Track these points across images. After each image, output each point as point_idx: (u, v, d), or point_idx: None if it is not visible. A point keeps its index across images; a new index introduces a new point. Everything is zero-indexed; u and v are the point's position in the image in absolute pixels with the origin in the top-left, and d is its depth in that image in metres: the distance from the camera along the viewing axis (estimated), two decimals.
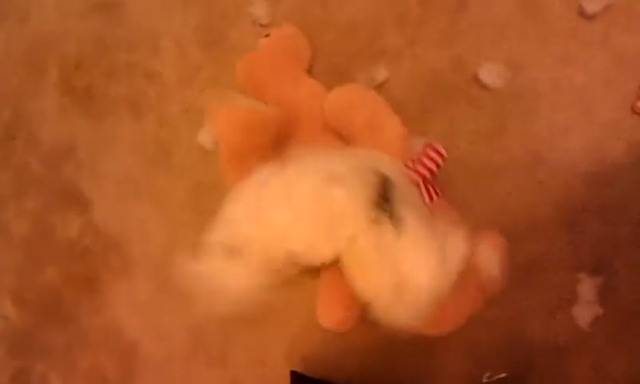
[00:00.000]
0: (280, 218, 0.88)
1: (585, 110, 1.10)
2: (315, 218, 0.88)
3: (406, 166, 0.97)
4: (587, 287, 1.08)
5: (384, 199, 0.87)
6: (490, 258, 0.95)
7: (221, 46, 1.28)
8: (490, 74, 1.13)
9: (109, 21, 1.36)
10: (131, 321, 1.28)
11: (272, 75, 1.13)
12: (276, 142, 1.03)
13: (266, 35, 1.16)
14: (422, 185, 0.97)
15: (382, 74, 1.17)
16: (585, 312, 1.08)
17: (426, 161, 0.98)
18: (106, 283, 1.29)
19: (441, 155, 0.98)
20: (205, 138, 1.25)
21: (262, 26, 1.25)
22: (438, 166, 0.98)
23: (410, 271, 0.84)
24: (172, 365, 1.25)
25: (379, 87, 1.17)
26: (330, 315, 1.01)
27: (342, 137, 1.05)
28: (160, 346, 1.26)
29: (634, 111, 1.08)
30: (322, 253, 0.90)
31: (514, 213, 1.11)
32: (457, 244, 0.89)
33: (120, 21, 1.36)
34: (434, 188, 0.99)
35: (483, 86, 1.13)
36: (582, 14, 1.10)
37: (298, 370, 1.16)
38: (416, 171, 0.97)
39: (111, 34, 1.36)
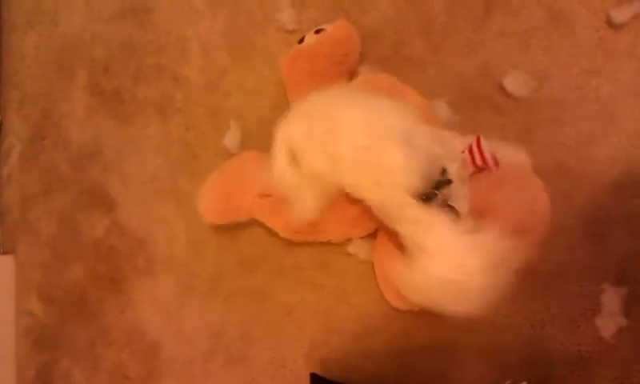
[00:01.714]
0: (339, 149, 0.94)
1: (611, 119, 1.10)
2: (368, 163, 0.93)
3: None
4: (611, 298, 1.08)
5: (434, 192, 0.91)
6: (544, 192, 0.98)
7: (247, 51, 1.31)
8: (516, 82, 1.13)
9: (137, 25, 1.40)
10: (154, 320, 1.31)
11: (311, 75, 1.16)
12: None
13: (317, 31, 1.17)
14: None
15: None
16: (608, 323, 1.08)
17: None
18: (130, 283, 1.33)
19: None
20: (230, 141, 1.28)
21: (287, 32, 1.26)
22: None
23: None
24: (193, 365, 1.27)
25: None
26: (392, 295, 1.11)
27: None
28: (181, 346, 1.28)
29: None
30: (366, 195, 0.97)
31: None
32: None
33: (148, 25, 1.39)
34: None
35: (509, 95, 1.13)
36: (610, 23, 1.11)
37: (317, 371, 1.17)
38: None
39: (140, 38, 1.40)
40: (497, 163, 0.97)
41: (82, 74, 1.42)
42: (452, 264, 0.89)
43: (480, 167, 0.98)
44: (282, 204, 1.09)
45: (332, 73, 1.15)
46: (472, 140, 0.99)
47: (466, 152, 0.98)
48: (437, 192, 0.91)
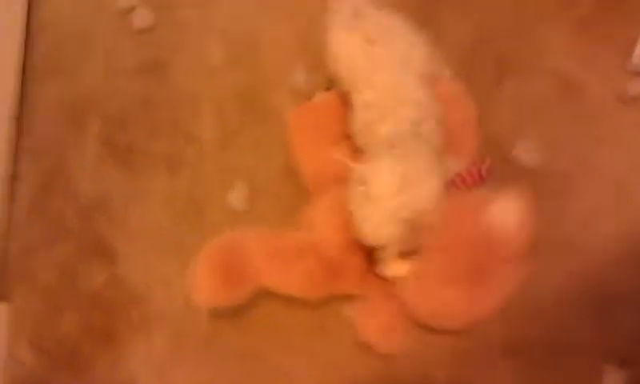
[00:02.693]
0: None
1: (619, 194, 1.10)
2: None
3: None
4: (613, 380, 1.05)
5: None
6: (507, 213, 0.98)
7: (260, 112, 1.34)
8: (525, 151, 1.14)
9: (155, 80, 1.44)
10: (145, 378, 1.27)
11: (315, 131, 1.20)
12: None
13: (327, 89, 1.23)
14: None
15: None
16: None
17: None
18: (123, 337, 1.30)
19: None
20: (236, 198, 1.28)
21: (301, 94, 1.29)
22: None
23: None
24: None
25: None
26: (369, 326, 1.11)
27: None
28: None
29: None
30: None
31: (541, 295, 1.09)
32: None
33: (164, 80, 1.43)
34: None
35: (517, 164, 1.13)
36: (622, 96, 1.11)
37: None
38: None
39: (156, 94, 1.43)
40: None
41: (96, 125, 1.45)
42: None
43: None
44: (298, 257, 1.09)
45: (335, 131, 1.17)
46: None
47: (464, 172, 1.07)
48: None
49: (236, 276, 1.11)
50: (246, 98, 1.35)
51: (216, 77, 1.39)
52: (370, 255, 1.07)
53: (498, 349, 1.10)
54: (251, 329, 1.22)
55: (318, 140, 1.19)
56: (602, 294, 1.08)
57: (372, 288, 1.11)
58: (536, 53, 1.19)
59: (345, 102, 1.15)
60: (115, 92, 1.46)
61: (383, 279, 1.08)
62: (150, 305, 1.30)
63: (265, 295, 1.14)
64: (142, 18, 1.47)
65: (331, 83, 1.20)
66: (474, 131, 1.13)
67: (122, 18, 1.49)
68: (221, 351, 1.23)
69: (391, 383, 1.14)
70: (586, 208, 1.10)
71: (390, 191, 0.93)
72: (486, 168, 1.06)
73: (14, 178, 1.45)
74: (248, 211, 1.29)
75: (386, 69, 1.06)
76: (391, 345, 1.10)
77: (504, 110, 1.17)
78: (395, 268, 1.03)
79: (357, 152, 1.13)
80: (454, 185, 1.07)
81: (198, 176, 1.34)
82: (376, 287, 1.11)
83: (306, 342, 1.19)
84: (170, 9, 1.46)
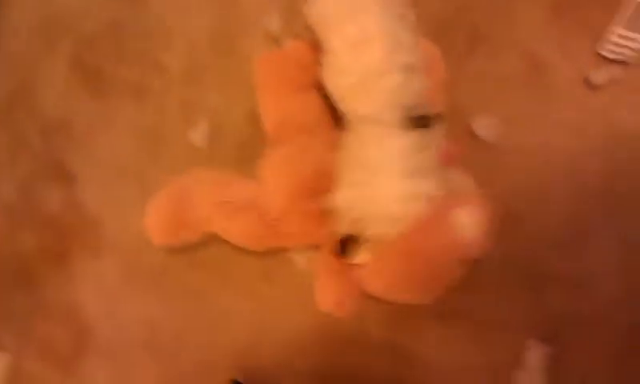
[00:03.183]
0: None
1: (572, 177, 1.12)
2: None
3: None
4: (535, 355, 1.09)
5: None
6: (472, 220, 0.97)
7: (231, 53, 1.32)
8: (485, 125, 1.14)
9: (129, 7, 1.41)
10: (93, 302, 1.30)
11: (280, 79, 1.19)
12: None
13: (295, 37, 1.22)
14: None
15: None
16: (527, 380, 1.09)
17: None
18: (76, 260, 1.32)
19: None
20: (197, 136, 1.29)
21: (273, 38, 1.27)
22: None
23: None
24: (123, 353, 1.27)
25: None
26: (328, 297, 1.12)
27: None
28: (115, 333, 1.28)
29: None
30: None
31: (478, 266, 1.09)
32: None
33: (139, 8, 1.40)
34: None
35: (476, 137, 1.14)
36: (587, 82, 1.11)
37: (241, 378, 1.17)
38: None
39: (129, 20, 1.41)
40: None
41: (66, 46, 1.43)
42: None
43: None
44: (242, 210, 1.11)
45: (302, 80, 1.16)
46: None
47: None
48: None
49: (185, 221, 1.14)
50: (219, 37, 1.33)
51: (191, 11, 1.37)
52: (317, 217, 1.09)
53: (433, 316, 1.14)
54: (201, 268, 1.24)
55: (282, 88, 1.18)
56: (537, 272, 1.11)
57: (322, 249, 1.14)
58: (509, 29, 1.18)
59: (314, 52, 1.13)
60: (88, 14, 1.43)
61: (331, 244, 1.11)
62: (105, 231, 1.31)
63: (217, 237, 1.17)
64: None
65: (305, 31, 1.19)
66: (442, 97, 1.12)
67: None
68: (169, 286, 1.26)
69: (328, 334, 1.16)
70: (536, 187, 1.12)
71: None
72: (453, 154, 1.05)
73: None
74: (208, 150, 1.29)
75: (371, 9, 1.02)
76: (346, 311, 1.12)
77: (470, 81, 1.16)
78: (357, 256, 1.05)
79: (324, 102, 1.14)
80: None
81: (163, 108, 1.34)
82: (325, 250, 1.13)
83: (252, 287, 1.22)
84: None
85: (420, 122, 0.97)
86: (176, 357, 1.23)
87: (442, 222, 0.99)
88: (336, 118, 1.12)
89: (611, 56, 1.12)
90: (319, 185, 1.07)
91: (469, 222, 0.98)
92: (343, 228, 1.05)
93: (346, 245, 1.04)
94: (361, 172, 1.00)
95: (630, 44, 1.11)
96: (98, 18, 1.43)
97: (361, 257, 1.04)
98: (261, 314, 1.20)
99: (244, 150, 1.26)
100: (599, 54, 1.13)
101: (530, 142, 1.13)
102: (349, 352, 1.16)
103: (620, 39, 1.11)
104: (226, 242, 1.16)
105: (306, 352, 1.17)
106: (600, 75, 1.11)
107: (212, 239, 1.17)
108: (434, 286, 1.05)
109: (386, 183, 0.96)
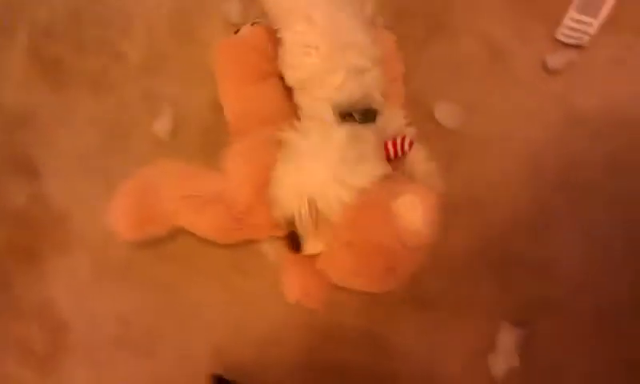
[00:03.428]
0: None
1: (532, 163, 1.14)
2: None
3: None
4: (506, 337, 1.12)
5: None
6: (414, 209, 0.97)
7: (190, 39, 1.32)
8: (446, 112, 1.15)
9: None
10: (65, 299, 1.31)
11: (240, 66, 1.18)
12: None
13: (253, 23, 1.20)
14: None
15: None
16: (501, 362, 1.12)
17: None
18: (45, 256, 1.33)
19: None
20: (161, 127, 1.29)
21: (233, 24, 1.26)
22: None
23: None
24: (99, 351, 1.28)
25: None
26: (294, 288, 1.12)
27: None
28: (90, 329, 1.29)
29: None
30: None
31: (445, 251, 1.13)
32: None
33: None
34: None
35: (437, 123, 1.14)
36: (545, 67, 1.12)
37: (221, 372, 1.19)
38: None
39: (87, 7, 1.39)
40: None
41: (24, 34, 1.41)
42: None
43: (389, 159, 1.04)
44: (209, 204, 1.10)
45: (262, 68, 1.16)
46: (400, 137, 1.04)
47: (390, 143, 1.03)
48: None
49: (151, 215, 1.13)
50: (178, 23, 1.32)
51: None
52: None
53: (407, 303, 1.16)
54: (170, 261, 1.25)
55: (242, 76, 1.17)
56: (504, 257, 1.13)
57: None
58: (468, 15, 1.18)
59: (273, 38, 1.13)
60: (44, 1, 1.41)
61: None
62: (73, 226, 1.31)
63: (185, 230, 1.17)
64: None
65: (262, 17, 1.18)
66: (401, 87, 1.13)
67: None
68: (139, 280, 1.27)
69: (304, 325, 1.19)
70: (497, 173, 1.14)
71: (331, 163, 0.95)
72: (410, 142, 1.06)
73: None
74: (172, 141, 1.29)
75: (324, 5, 1.03)
76: (314, 301, 1.14)
77: (430, 68, 1.17)
78: (309, 246, 1.03)
79: (285, 91, 1.14)
80: None
81: (124, 99, 1.33)
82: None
83: (224, 279, 1.23)
84: None
85: (364, 116, 0.99)
86: (152, 352, 1.25)
87: (384, 212, 0.98)
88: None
89: (567, 40, 1.13)
90: None
91: (410, 210, 1.00)
92: (285, 223, 1.04)
93: (294, 238, 1.04)
94: (300, 160, 1.00)
95: (584, 28, 1.12)
96: (55, 6, 1.40)
97: (311, 248, 1.03)
98: (235, 306, 1.22)
99: (208, 138, 1.27)
100: (556, 39, 1.14)
101: (491, 129, 1.15)
102: (326, 343, 1.19)
103: (575, 23, 1.12)
104: (195, 235, 1.16)
105: (283, 344, 1.19)
106: (557, 59, 1.12)
107: (179, 232, 1.17)
108: (389, 275, 1.04)
109: (323, 169, 0.96)
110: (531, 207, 1.13)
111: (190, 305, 1.24)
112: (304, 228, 0.99)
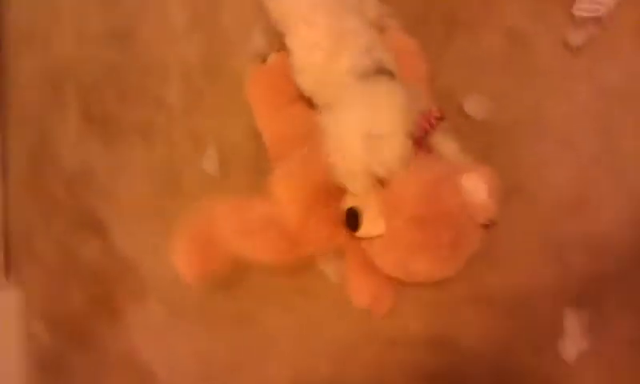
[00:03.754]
0: None
1: (567, 141, 1.14)
2: None
3: None
4: (572, 321, 1.12)
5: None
6: (482, 184, 0.99)
7: (222, 75, 1.38)
8: (475, 105, 1.17)
9: (123, 47, 1.47)
10: (147, 346, 1.40)
11: (272, 93, 1.23)
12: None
13: (279, 49, 1.24)
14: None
15: None
16: (571, 347, 1.12)
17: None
18: (124, 307, 1.42)
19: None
20: (208, 163, 1.36)
21: (260, 55, 1.31)
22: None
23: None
24: None
25: None
26: (363, 294, 1.16)
27: None
28: (174, 374, 1.38)
29: None
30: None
31: (499, 244, 1.14)
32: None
33: (133, 47, 1.46)
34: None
35: (468, 117, 1.17)
36: (567, 46, 1.13)
37: None
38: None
39: (125, 60, 1.47)
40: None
41: (72, 95, 1.51)
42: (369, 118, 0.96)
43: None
44: (262, 230, 1.14)
45: (291, 92, 1.19)
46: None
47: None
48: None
49: (211, 254, 1.18)
50: (210, 61, 1.38)
51: (180, 41, 1.41)
52: (335, 218, 1.11)
53: (468, 301, 1.18)
54: (240, 294, 1.31)
55: (273, 102, 1.22)
56: (555, 239, 1.14)
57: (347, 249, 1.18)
58: (484, 8, 1.19)
59: None
60: (87, 60, 1.51)
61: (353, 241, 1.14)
62: (144, 273, 1.41)
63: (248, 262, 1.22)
64: None
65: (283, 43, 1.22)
66: (427, 86, 1.15)
67: None
68: (213, 317, 1.34)
69: (373, 338, 1.23)
70: (535, 156, 1.14)
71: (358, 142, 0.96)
72: (435, 117, 1.07)
73: (3, 156, 1.54)
74: (221, 174, 1.35)
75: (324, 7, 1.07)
76: (385, 306, 1.17)
77: (454, 65, 1.19)
78: (368, 228, 1.04)
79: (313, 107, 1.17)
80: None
81: (171, 142, 1.41)
82: (350, 249, 1.17)
83: (292, 305, 1.29)
84: None
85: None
86: None
87: (451, 186, 1.00)
88: None
89: (585, 14, 1.12)
90: (328, 189, 1.09)
91: (479, 185, 1.02)
92: (347, 198, 1.06)
93: (353, 217, 1.04)
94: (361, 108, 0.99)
95: None
96: (96, 62, 1.50)
97: (371, 225, 1.04)
98: (306, 330, 1.28)
99: (253, 165, 1.31)
100: (574, 16, 1.14)
101: (522, 115, 1.16)
102: (395, 351, 1.22)
103: None
104: (258, 265, 1.20)
105: (355, 359, 1.24)
106: (578, 36, 1.12)
107: (244, 264, 1.20)
108: (452, 254, 1.05)
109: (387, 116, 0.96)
110: (572, 185, 1.13)
111: (265, 336, 1.30)
112: (366, 188, 1.00)
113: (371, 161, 0.97)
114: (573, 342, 1.12)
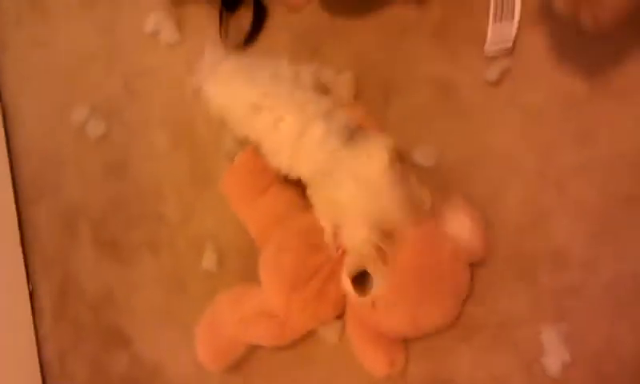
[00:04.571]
0: None
1: (512, 166, 1.22)
2: None
3: None
4: (551, 336, 1.15)
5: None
6: (465, 226, 1.08)
7: (208, 181, 1.52)
8: (423, 154, 1.27)
9: (120, 178, 1.65)
10: None
11: (244, 189, 1.37)
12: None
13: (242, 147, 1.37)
14: None
15: None
16: (554, 361, 1.14)
17: None
18: None
19: None
20: (207, 262, 1.48)
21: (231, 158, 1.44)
22: None
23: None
24: None
25: None
26: (379, 363, 1.21)
27: None
28: None
29: None
30: None
31: (478, 272, 1.20)
32: None
33: (128, 176, 1.64)
34: None
35: (420, 166, 1.27)
36: (488, 81, 1.23)
37: None
38: None
39: (124, 189, 1.65)
40: None
41: (85, 229, 1.68)
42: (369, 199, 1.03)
43: None
44: (257, 317, 1.25)
45: (262, 183, 1.32)
46: None
47: None
48: None
49: (224, 345, 1.32)
50: (195, 172, 1.54)
51: (167, 160, 1.58)
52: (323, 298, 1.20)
53: (458, 336, 1.22)
54: (253, 374, 1.39)
55: (247, 195, 1.34)
56: (522, 262, 1.19)
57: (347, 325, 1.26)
58: (408, 67, 1.31)
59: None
60: (92, 196, 1.69)
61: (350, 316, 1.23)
62: (168, 375, 1.52)
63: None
64: (95, 127, 1.69)
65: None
66: None
67: (80, 132, 1.71)
68: None
69: None
70: (486, 188, 1.22)
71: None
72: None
73: (31, 295, 1.73)
74: (221, 271, 1.47)
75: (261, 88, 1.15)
76: (401, 366, 1.22)
77: (397, 124, 1.30)
78: (373, 287, 1.09)
79: (288, 191, 1.29)
80: None
81: (174, 251, 1.55)
82: (350, 324, 1.24)
83: (299, 374, 1.36)
84: (116, 113, 1.67)
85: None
86: None
87: (439, 235, 1.10)
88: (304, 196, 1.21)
89: (495, 50, 1.22)
90: (307, 268, 1.19)
91: (463, 228, 1.10)
92: (349, 264, 1.10)
93: (358, 281, 1.09)
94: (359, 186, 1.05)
95: (504, 33, 1.21)
96: (101, 197, 1.68)
97: (376, 286, 1.08)
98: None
99: (250, 257, 1.38)
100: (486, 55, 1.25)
101: (465, 152, 1.25)
102: None
103: (495, 33, 1.22)
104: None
105: None
106: (494, 71, 1.22)
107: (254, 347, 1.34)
108: (452, 302, 1.15)
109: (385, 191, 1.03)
110: (526, 204, 1.20)
111: None
112: (373, 257, 1.05)
113: (375, 228, 1.03)
114: (555, 357, 1.14)
